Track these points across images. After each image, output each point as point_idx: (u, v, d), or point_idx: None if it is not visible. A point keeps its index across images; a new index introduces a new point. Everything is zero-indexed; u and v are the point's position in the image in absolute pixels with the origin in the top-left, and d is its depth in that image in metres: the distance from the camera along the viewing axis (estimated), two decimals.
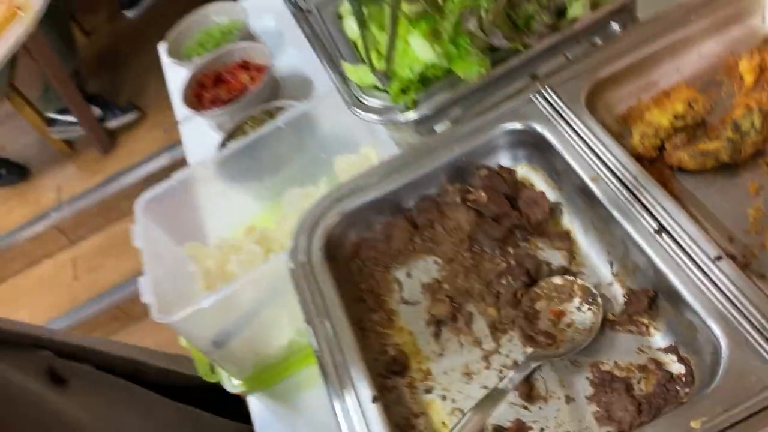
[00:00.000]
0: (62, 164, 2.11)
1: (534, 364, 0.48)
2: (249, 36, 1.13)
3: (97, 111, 2.02)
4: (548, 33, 0.61)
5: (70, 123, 2.02)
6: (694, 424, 0.38)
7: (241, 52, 1.09)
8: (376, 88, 0.67)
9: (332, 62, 0.72)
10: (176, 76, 1.14)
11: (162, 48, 1.20)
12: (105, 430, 0.55)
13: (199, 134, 1.07)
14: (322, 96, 0.87)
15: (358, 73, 0.68)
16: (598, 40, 0.62)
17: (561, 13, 0.62)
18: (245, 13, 1.15)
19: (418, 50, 0.65)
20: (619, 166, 0.51)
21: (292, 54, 1.12)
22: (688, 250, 0.45)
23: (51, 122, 2.03)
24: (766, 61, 0.57)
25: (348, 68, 0.69)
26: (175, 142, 2.04)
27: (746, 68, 0.57)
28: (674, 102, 0.56)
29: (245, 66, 1.09)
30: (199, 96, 1.07)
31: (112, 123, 2.06)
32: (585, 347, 0.48)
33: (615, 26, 0.63)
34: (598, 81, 0.59)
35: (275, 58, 1.06)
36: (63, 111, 2.00)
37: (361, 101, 0.66)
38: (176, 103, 1.12)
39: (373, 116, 0.65)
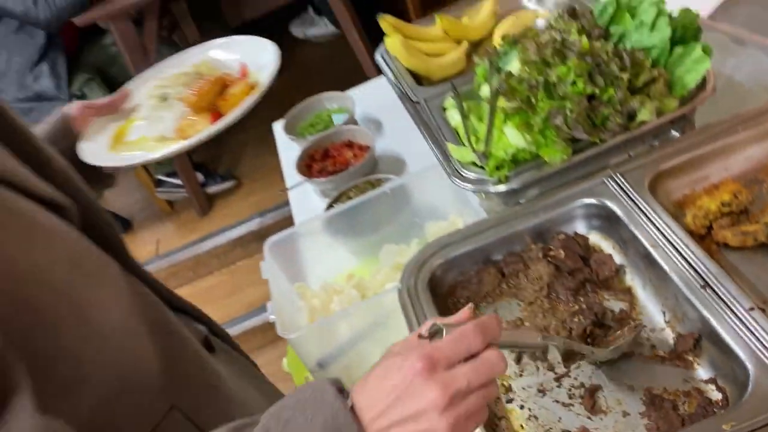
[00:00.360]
0: (162, 221, 2.35)
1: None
2: (354, 120, 1.33)
3: (200, 177, 2.28)
4: (620, 131, 0.76)
5: (176, 186, 2.27)
6: (725, 427, 0.49)
7: (347, 133, 1.27)
8: (474, 164, 0.83)
9: (437, 142, 0.89)
10: (288, 149, 1.34)
11: (278, 126, 1.41)
12: (237, 394, 0.68)
13: (305, 198, 1.25)
14: (418, 172, 1.05)
15: (460, 152, 0.85)
16: (660, 140, 0.77)
17: (632, 116, 0.78)
18: (352, 101, 1.35)
19: (512, 138, 0.81)
20: (674, 237, 0.65)
21: (388, 137, 1.31)
22: (727, 301, 0.58)
23: (159, 183, 2.29)
24: None
25: (452, 147, 0.86)
26: (264, 210, 2.27)
27: None
28: (722, 192, 0.70)
29: (350, 145, 1.28)
30: (309, 166, 1.25)
31: (212, 189, 2.31)
32: (640, 375, 0.60)
33: (675, 131, 0.78)
34: (660, 172, 0.73)
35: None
36: (171, 174, 2.26)
37: (461, 174, 0.82)
38: (287, 171, 1.31)
39: (471, 186, 0.81)
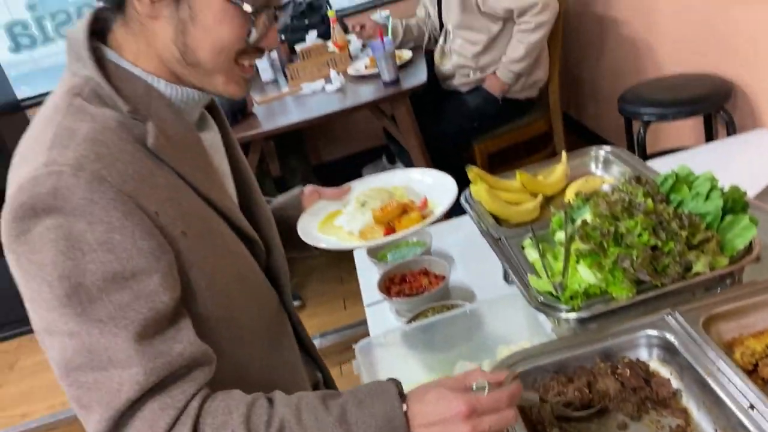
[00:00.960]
0: None
1: None
2: (429, 252, 1.50)
3: None
4: (678, 278, 0.91)
5: None
6: None
7: (425, 262, 1.44)
8: (551, 294, 0.97)
9: (518, 273, 1.05)
10: (367, 270, 1.52)
11: (360, 250, 1.59)
12: None
13: (382, 316, 1.39)
14: (492, 299, 1.21)
15: (539, 283, 1.00)
16: (713, 290, 0.91)
17: (688, 267, 0.92)
18: (430, 236, 1.54)
19: (584, 275, 0.96)
20: (725, 368, 0.77)
21: (459, 270, 1.47)
22: None
23: None
24: None
25: (531, 278, 1.01)
26: (324, 331, 2.41)
27: None
28: (766, 337, 0.82)
29: (426, 273, 1.44)
30: (388, 288, 1.41)
31: None
32: None
33: (725, 283, 0.92)
34: (712, 315, 0.86)
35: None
36: None
37: (539, 300, 0.97)
38: (367, 290, 1.48)
39: (548, 311, 0.95)
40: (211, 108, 0.97)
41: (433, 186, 1.21)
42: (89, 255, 0.67)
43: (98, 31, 0.81)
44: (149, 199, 0.72)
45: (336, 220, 1.18)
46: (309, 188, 1.22)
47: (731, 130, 2.05)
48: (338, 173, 3.64)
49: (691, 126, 2.45)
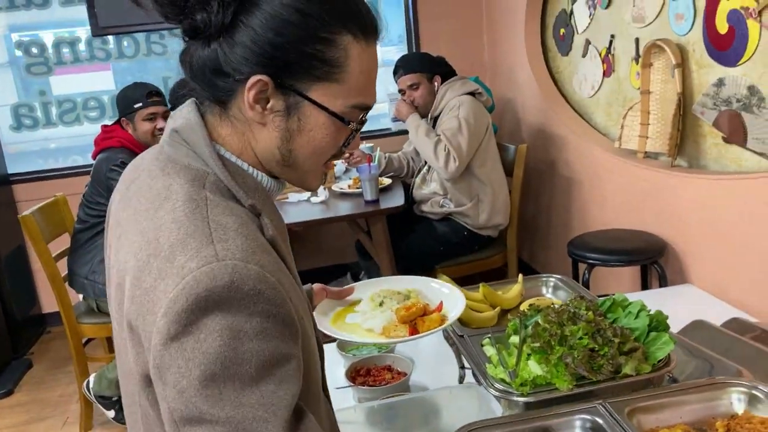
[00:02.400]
0: None
1: None
2: (393, 351, 1.66)
3: None
4: (610, 377, 1.10)
5: None
6: None
7: (389, 359, 1.60)
8: (504, 381, 1.15)
9: (477, 363, 1.23)
10: (334, 363, 1.66)
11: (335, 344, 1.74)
12: None
13: (343, 399, 1.52)
14: (449, 387, 1.37)
15: (495, 370, 1.18)
16: (637, 388, 1.10)
17: (618, 370, 1.12)
18: None
19: (533, 368, 1.15)
20: None
21: (420, 371, 1.63)
22: None
23: None
24: (731, 425, 1.02)
25: (489, 367, 1.19)
26: None
27: (720, 425, 1.02)
28: (677, 429, 1.01)
29: (389, 369, 1.59)
30: (353, 378, 1.56)
31: None
32: None
33: (648, 385, 1.11)
34: (634, 408, 1.05)
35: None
36: None
37: (494, 386, 1.14)
38: (331, 378, 1.60)
39: (501, 395, 1.12)
40: None
41: (445, 291, 1.30)
42: (247, 344, 0.68)
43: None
44: (286, 286, 0.74)
45: (347, 317, 1.23)
46: (317, 286, 1.27)
47: (663, 282, 2.34)
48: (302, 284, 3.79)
49: (629, 275, 2.75)
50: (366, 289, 1.32)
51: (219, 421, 0.68)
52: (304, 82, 0.79)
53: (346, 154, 3.25)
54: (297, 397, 0.72)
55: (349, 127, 0.84)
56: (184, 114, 0.84)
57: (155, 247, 0.73)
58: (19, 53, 3.66)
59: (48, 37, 3.67)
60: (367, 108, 0.86)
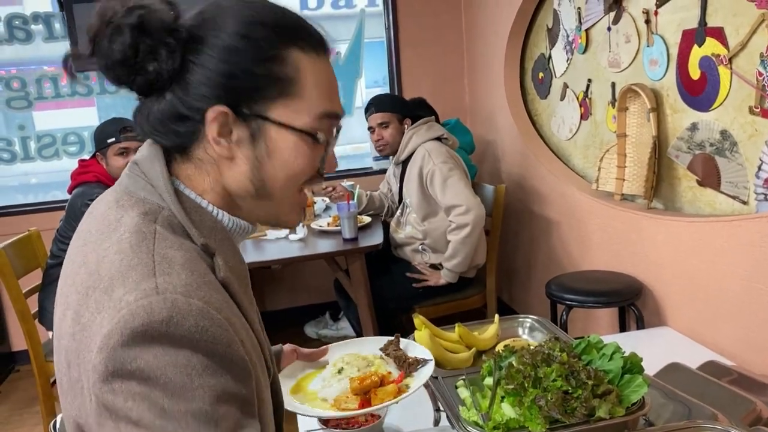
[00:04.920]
0: None
1: None
2: None
3: None
4: (584, 420, 1.08)
5: None
6: None
7: None
8: (477, 423, 1.13)
9: (449, 406, 1.20)
10: None
11: None
12: None
13: None
14: (421, 430, 1.33)
15: (468, 413, 1.15)
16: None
17: (592, 413, 1.10)
18: None
19: (507, 410, 1.13)
20: None
21: (393, 413, 1.59)
22: None
23: None
24: None
25: (462, 410, 1.17)
26: None
27: None
28: None
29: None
30: (326, 421, 1.52)
31: None
32: None
33: (621, 428, 1.10)
34: None
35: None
36: None
37: (467, 429, 1.12)
38: (303, 420, 1.57)
39: None
40: None
41: (415, 353, 1.25)
42: (197, 380, 0.66)
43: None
44: (236, 326, 0.72)
45: (310, 383, 1.18)
46: (288, 347, 1.22)
47: (640, 324, 2.34)
48: (280, 324, 3.76)
49: (607, 316, 2.74)
50: (338, 351, 1.27)
51: None
52: (262, 104, 0.79)
53: (329, 188, 3.24)
54: None
55: (321, 142, 0.82)
56: (147, 146, 0.83)
57: (96, 279, 0.71)
58: (1, 88, 3.65)
59: (30, 73, 3.67)
60: (334, 116, 0.84)
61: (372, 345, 1.30)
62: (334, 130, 0.86)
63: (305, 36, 0.81)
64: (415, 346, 1.27)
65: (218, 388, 0.67)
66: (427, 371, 1.17)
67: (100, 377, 0.66)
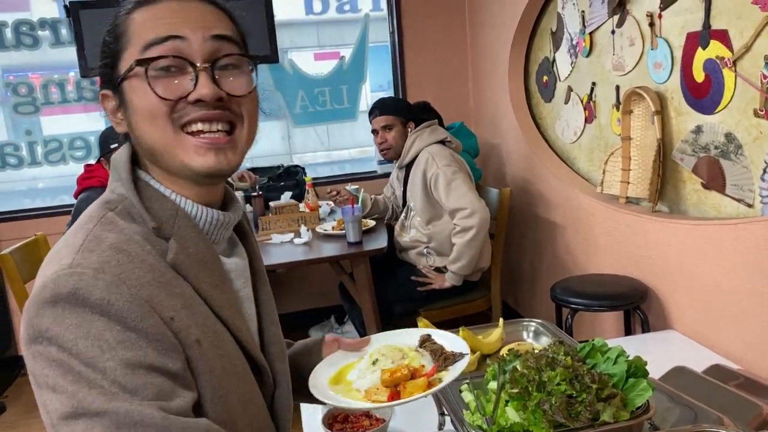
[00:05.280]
0: None
1: None
2: None
3: None
4: (588, 424, 1.08)
5: None
6: None
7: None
8: (480, 427, 1.13)
9: (453, 411, 1.20)
10: (313, 412, 1.61)
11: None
12: None
13: None
14: None
15: (472, 417, 1.15)
16: None
17: (596, 417, 1.10)
18: None
19: (511, 414, 1.13)
20: None
21: (398, 417, 1.59)
22: None
23: None
24: None
25: (466, 414, 1.17)
26: None
27: None
28: None
29: (368, 415, 1.55)
30: (330, 424, 1.52)
31: None
32: None
33: (630, 431, 1.10)
34: None
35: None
36: None
37: None
38: (308, 424, 1.57)
39: None
40: (244, 238, 1.02)
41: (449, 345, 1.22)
42: (108, 353, 0.69)
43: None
44: (165, 305, 0.76)
45: (349, 373, 1.18)
46: (330, 336, 1.23)
47: (645, 328, 2.33)
48: (285, 327, 3.75)
49: (612, 320, 2.74)
50: (379, 342, 1.25)
51: (94, 413, 0.68)
52: (115, 69, 0.84)
53: (333, 192, 3.24)
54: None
55: (139, 73, 0.80)
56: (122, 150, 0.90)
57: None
58: (8, 93, 3.67)
59: (37, 78, 3.69)
60: (159, 41, 0.80)
61: (412, 336, 1.27)
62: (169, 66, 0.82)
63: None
64: (455, 340, 1.23)
65: (133, 360, 0.71)
66: (461, 365, 1.14)
67: (23, 345, 0.73)
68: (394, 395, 1.10)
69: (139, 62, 0.80)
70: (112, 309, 0.71)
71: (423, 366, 1.17)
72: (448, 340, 1.24)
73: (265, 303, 1.02)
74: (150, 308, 0.74)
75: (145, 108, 0.81)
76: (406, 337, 1.27)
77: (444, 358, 1.18)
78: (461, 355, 1.18)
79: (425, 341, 1.24)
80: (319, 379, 1.13)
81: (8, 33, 3.62)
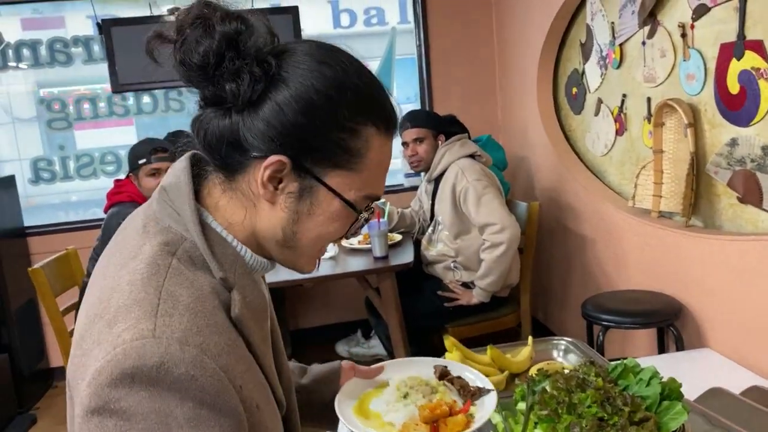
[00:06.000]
0: None
1: None
2: None
3: None
4: None
5: None
6: None
7: None
8: None
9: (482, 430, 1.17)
10: None
11: None
12: None
13: None
14: None
15: None
16: None
17: None
18: None
19: None
20: None
21: None
22: None
23: None
24: None
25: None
26: None
27: None
28: None
29: None
30: None
31: None
32: None
33: None
34: None
35: None
36: None
37: None
38: None
39: None
40: None
41: (479, 381, 1.25)
42: (175, 430, 0.65)
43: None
44: (235, 372, 0.71)
45: (371, 403, 1.18)
46: (346, 364, 1.22)
47: (680, 346, 2.26)
48: (311, 341, 3.76)
49: (645, 337, 2.67)
50: (395, 370, 1.26)
51: None
52: (322, 167, 0.78)
53: None
54: None
55: (359, 217, 0.82)
56: (176, 171, 0.81)
57: (104, 308, 0.70)
58: (43, 109, 3.76)
59: (70, 94, 3.77)
60: (376, 198, 0.85)
61: (427, 366, 1.28)
62: (369, 205, 0.85)
63: (382, 113, 0.81)
64: (475, 374, 1.27)
65: None
66: (490, 401, 1.18)
67: (83, 410, 0.66)
68: (434, 431, 1.11)
69: (367, 208, 0.84)
70: (194, 385, 0.66)
71: (455, 401, 1.19)
72: (471, 374, 1.26)
73: (274, 334, 0.96)
74: (228, 381, 0.69)
75: (331, 234, 0.82)
76: (422, 367, 1.28)
77: (471, 395, 1.21)
78: (487, 391, 1.21)
79: (444, 374, 1.25)
80: (346, 413, 1.12)
81: (43, 50, 3.71)
